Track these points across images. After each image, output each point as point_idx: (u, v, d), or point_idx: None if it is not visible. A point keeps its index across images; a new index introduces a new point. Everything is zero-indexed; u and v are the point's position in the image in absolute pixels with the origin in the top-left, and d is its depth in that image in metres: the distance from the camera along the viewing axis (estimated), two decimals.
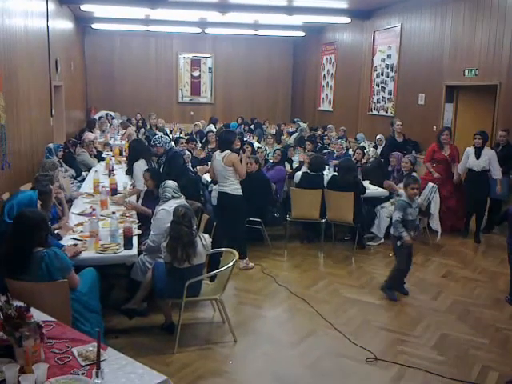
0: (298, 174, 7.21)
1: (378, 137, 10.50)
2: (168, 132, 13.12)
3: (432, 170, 7.84)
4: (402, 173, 7.54)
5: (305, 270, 6.40)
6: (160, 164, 6.92)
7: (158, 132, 11.61)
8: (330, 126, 12.92)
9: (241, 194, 6.19)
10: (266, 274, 6.15)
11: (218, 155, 6.16)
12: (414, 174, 7.35)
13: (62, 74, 10.72)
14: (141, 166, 6.25)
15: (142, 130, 13.22)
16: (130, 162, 6.49)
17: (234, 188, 6.13)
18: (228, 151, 6.10)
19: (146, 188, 5.90)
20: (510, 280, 5.50)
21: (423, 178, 7.63)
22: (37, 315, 2.92)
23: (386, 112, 11.70)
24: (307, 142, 9.65)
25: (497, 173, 7.32)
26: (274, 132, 13.53)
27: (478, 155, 7.38)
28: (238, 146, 9.22)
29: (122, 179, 7.05)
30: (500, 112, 8.07)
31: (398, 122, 9.48)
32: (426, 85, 10.10)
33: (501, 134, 7.61)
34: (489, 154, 7.34)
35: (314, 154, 7.88)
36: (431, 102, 9.92)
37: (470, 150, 7.50)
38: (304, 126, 13.72)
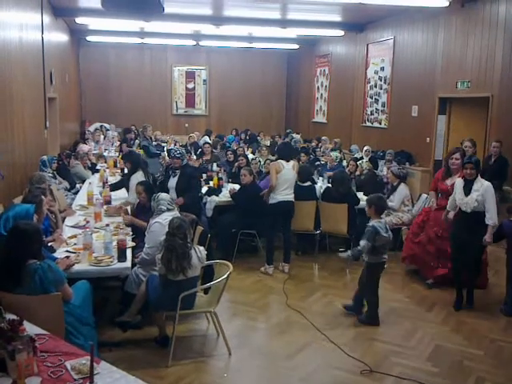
0: None
1: (365, 148, 10.54)
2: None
3: (433, 199, 6.31)
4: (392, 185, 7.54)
5: (300, 281, 6.39)
6: (169, 175, 6.75)
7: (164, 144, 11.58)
8: (324, 137, 12.94)
9: None
10: (261, 286, 6.14)
11: (286, 164, 6.43)
12: (403, 185, 7.35)
13: (56, 86, 10.74)
14: (138, 178, 6.27)
15: (137, 141, 13.20)
16: (128, 175, 6.54)
17: (294, 196, 6.51)
18: (293, 160, 6.58)
19: (137, 201, 5.89)
20: (507, 289, 5.52)
21: (424, 210, 6.57)
22: (30, 328, 2.91)
23: (380, 124, 11.77)
24: (302, 154, 9.66)
25: (490, 216, 5.14)
26: (268, 144, 13.56)
27: (467, 190, 5.24)
28: (231, 159, 9.27)
29: (115, 192, 7.05)
30: (492, 124, 8.14)
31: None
32: (419, 97, 10.18)
33: (494, 144, 7.39)
34: (482, 188, 5.16)
35: (301, 165, 7.81)
36: (424, 113, 9.99)
37: (459, 182, 5.41)
38: (297, 137, 13.75)
